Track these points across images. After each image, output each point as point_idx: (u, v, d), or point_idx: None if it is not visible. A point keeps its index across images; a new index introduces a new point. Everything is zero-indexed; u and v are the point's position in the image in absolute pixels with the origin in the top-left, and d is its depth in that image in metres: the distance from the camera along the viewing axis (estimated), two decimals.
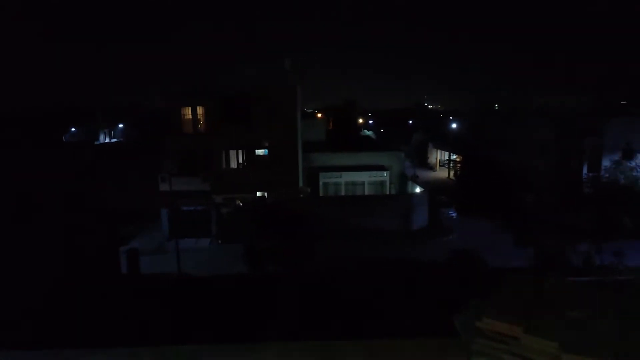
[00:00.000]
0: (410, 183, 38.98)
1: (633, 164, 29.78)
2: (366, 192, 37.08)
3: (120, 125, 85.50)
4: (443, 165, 60.85)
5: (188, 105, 32.36)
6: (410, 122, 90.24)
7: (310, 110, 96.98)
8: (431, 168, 64.03)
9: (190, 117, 32.47)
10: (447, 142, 60.18)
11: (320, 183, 36.88)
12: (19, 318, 11.98)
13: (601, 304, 2.48)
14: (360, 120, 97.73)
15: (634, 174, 29.23)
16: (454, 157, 56.20)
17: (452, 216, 36.45)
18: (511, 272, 2.67)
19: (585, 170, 31.76)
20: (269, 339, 2.64)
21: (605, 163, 30.32)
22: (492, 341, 2.25)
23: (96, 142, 74.19)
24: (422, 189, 35.81)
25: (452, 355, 2.45)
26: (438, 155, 63.66)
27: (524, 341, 2.17)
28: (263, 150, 32.92)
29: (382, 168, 38.31)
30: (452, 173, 54.48)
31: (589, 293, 2.62)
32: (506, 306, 2.37)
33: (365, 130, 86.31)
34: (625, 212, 26.05)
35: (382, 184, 37.87)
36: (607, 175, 29.19)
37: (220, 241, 30.76)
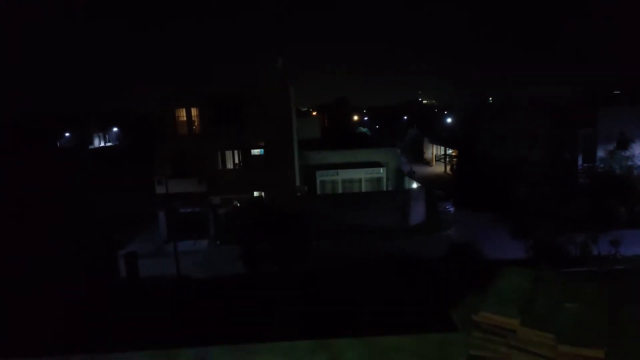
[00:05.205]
0: (406, 179, 39.04)
1: (627, 153, 29.91)
2: (363, 189, 37.12)
3: (115, 129, 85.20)
4: (439, 160, 60.96)
5: (182, 107, 32.27)
6: (405, 118, 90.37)
7: (305, 109, 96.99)
8: (427, 163, 64.14)
9: (185, 118, 32.39)
10: (442, 136, 60.28)
11: (317, 181, 36.88)
12: (18, 325, 11.95)
13: (596, 295, 2.51)
14: (355, 117, 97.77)
15: (629, 163, 29.37)
16: (449, 151, 56.32)
17: (450, 210, 36.55)
18: (508, 264, 2.70)
19: (580, 161, 31.89)
20: (269, 339, 2.66)
21: (600, 153, 30.43)
22: (490, 334, 2.28)
23: (91, 147, 73.90)
24: (419, 185, 35.87)
25: (452, 350, 2.47)
26: (434, 150, 63.76)
27: (521, 333, 2.21)
28: (259, 150, 32.89)
29: (378, 165, 38.35)
30: (448, 167, 54.62)
31: (584, 284, 2.66)
32: (503, 299, 2.41)
33: (361, 127, 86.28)
34: (621, 201, 26.18)
35: (378, 180, 37.92)
36: (602, 165, 29.31)
37: (218, 242, 30.74)
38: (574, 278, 2.80)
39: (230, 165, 33.48)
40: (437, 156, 62.48)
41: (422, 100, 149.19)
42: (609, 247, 22.98)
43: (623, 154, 29.94)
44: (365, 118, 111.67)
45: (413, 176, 41.43)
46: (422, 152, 66.17)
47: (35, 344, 11.73)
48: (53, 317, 12.96)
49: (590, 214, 23.16)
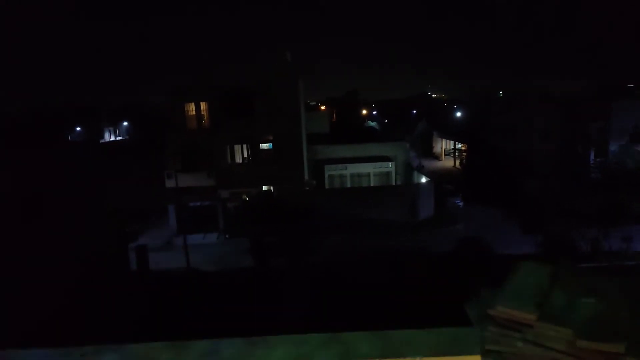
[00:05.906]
0: (415, 173, 38.87)
1: None
2: (372, 184, 37.03)
3: (125, 123, 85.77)
4: (448, 155, 60.62)
5: (191, 101, 32.38)
6: (414, 111, 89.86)
7: (314, 103, 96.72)
8: (436, 157, 63.81)
9: (194, 112, 32.50)
10: (451, 131, 59.87)
11: (326, 175, 36.86)
12: (30, 318, 12.10)
13: (613, 290, 2.45)
14: (364, 111, 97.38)
15: None
16: (459, 145, 55.94)
17: (459, 205, 36.34)
18: (520, 259, 2.63)
19: (592, 156, 31.53)
20: (279, 332, 2.63)
21: (613, 147, 30.06)
22: (506, 329, 2.23)
23: (101, 141, 74.50)
24: (428, 179, 35.69)
25: (466, 344, 2.42)
26: (443, 145, 63.39)
27: (538, 328, 2.15)
28: (267, 144, 32.92)
29: (387, 159, 38.21)
30: (457, 162, 54.27)
31: (601, 279, 2.60)
32: (519, 294, 2.35)
33: (369, 121, 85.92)
34: (634, 196, 25.85)
35: (387, 174, 37.80)
36: (614, 159, 28.95)
37: (227, 236, 30.89)
38: (591, 273, 2.74)
39: (239, 159, 33.58)
40: (447, 150, 62.10)
41: (431, 94, 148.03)
42: (620, 243, 22.72)
43: (636, 148, 29.55)
44: (374, 112, 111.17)
45: (422, 170, 41.23)
46: (431, 146, 65.82)
47: (47, 335, 11.88)
48: (66, 309, 13.10)
49: (602, 209, 22.90)
